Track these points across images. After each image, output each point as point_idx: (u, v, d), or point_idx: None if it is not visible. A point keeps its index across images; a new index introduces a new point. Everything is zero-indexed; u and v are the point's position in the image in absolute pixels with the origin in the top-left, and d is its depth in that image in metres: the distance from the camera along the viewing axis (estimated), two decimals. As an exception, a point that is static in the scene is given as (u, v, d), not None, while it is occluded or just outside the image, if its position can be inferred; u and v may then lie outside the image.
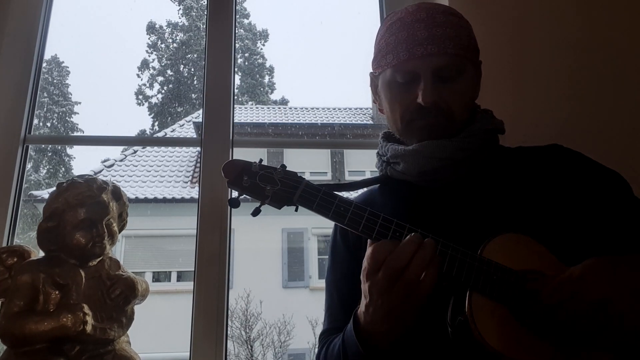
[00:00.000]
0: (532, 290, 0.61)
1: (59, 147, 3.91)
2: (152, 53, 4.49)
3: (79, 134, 4.26)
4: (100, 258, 1.00)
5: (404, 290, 0.59)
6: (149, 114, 4.45)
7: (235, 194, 0.70)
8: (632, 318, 0.56)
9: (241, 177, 0.68)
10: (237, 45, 1.48)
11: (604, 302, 0.56)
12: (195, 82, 4.39)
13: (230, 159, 1.33)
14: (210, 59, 1.41)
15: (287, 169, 0.70)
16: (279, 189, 0.67)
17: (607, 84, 1.26)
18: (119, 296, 0.98)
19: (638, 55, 1.28)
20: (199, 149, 1.37)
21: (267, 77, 4.72)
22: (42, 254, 0.99)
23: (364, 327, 0.65)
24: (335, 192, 0.67)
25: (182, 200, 3.56)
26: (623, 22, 1.31)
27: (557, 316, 0.58)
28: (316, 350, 0.81)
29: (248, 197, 0.69)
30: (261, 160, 0.71)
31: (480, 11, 1.29)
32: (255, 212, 0.68)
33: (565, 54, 1.28)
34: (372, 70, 0.86)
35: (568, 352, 0.59)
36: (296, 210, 0.68)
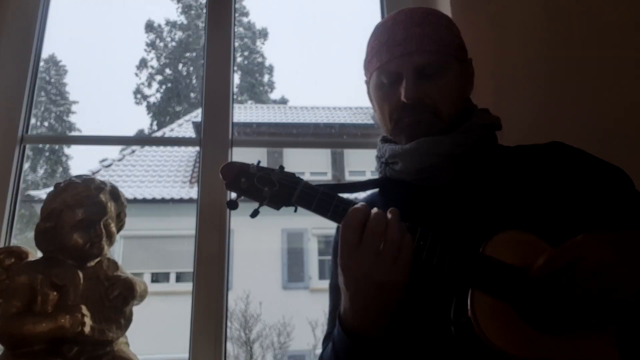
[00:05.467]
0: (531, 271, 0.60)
1: (57, 147, 3.90)
2: (150, 52, 4.49)
3: (76, 133, 4.24)
4: (99, 259, 0.99)
5: (382, 265, 0.60)
6: (148, 113, 4.44)
7: (233, 195, 0.70)
8: (633, 284, 0.55)
9: (239, 179, 0.68)
10: (236, 44, 1.47)
11: (605, 268, 0.55)
12: (194, 81, 4.39)
13: (230, 158, 1.33)
14: (209, 57, 1.40)
15: (286, 169, 0.69)
16: (277, 190, 0.67)
17: (604, 83, 1.26)
18: (117, 297, 0.97)
19: (635, 54, 1.28)
20: (198, 148, 1.36)
21: (266, 76, 4.73)
22: (39, 254, 0.99)
23: (350, 322, 0.65)
24: (334, 192, 0.67)
25: (181, 200, 3.56)
26: (621, 22, 1.30)
27: (558, 285, 0.57)
28: (317, 352, 0.81)
29: (246, 198, 0.69)
30: (259, 161, 0.71)
31: (475, 11, 1.29)
32: (254, 214, 0.68)
33: (563, 53, 1.28)
34: (365, 78, 0.88)
35: (570, 342, 0.58)
36: (295, 210, 0.68)
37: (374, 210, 0.63)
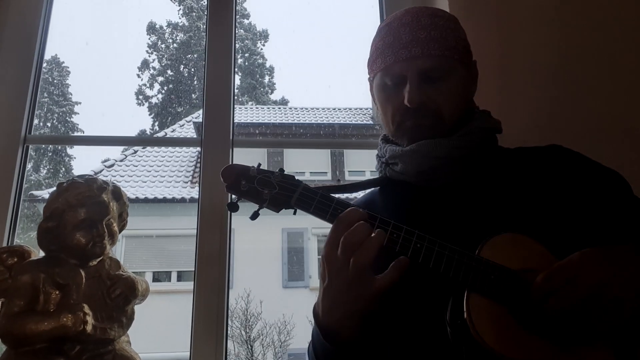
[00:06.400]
0: (530, 286, 0.60)
1: (59, 147, 3.92)
2: (152, 53, 4.51)
3: (79, 134, 4.27)
4: (101, 258, 1.00)
5: (355, 268, 0.60)
6: (149, 114, 4.47)
7: (234, 197, 0.71)
8: (629, 302, 0.56)
9: (239, 181, 0.69)
10: (237, 46, 1.48)
11: (601, 286, 0.56)
12: (195, 82, 4.40)
13: (230, 159, 1.33)
14: (211, 59, 1.41)
15: (286, 172, 0.70)
16: (277, 193, 0.68)
17: (600, 84, 1.25)
18: (119, 296, 0.97)
19: (632, 54, 1.27)
20: (199, 149, 1.37)
21: (267, 77, 4.74)
22: (42, 254, 0.99)
23: (324, 316, 0.66)
24: (333, 195, 0.68)
25: (182, 200, 3.57)
26: (619, 22, 1.30)
27: (555, 303, 0.57)
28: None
29: (246, 200, 0.70)
30: (259, 164, 0.71)
31: (475, 11, 1.29)
32: (254, 216, 0.69)
33: (567, 53, 1.28)
34: (368, 75, 0.88)
35: (567, 348, 0.59)
36: (294, 213, 0.69)
37: (360, 222, 0.62)
